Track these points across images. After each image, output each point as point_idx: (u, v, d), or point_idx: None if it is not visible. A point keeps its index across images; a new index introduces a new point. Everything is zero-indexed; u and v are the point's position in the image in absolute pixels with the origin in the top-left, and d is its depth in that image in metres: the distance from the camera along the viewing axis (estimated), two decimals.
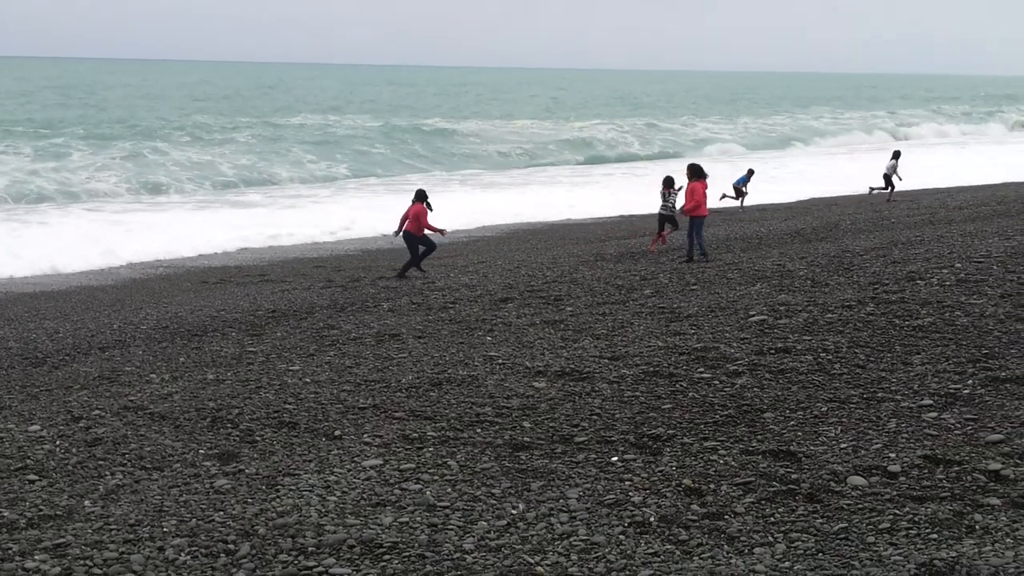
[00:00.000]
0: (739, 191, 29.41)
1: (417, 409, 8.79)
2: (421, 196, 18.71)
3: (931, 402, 8.33)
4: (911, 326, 10.79)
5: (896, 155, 30.66)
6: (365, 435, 8.13)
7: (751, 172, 30.28)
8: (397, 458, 7.55)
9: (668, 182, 20.57)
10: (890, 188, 29.84)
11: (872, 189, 31.54)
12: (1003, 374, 8.95)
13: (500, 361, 10.42)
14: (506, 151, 54.45)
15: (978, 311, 11.27)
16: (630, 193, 34.83)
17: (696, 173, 18.57)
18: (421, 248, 18.52)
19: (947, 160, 48.71)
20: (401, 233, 18.63)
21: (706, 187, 18.63)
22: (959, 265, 14.21)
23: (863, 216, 24.08)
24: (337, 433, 8.23)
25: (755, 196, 30.22)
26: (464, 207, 30.39)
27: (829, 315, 11.55)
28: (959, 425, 7.76)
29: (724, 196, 29.38)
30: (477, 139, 59.20)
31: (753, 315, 11.85)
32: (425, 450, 7.73)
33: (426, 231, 18.47)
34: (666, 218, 20.30)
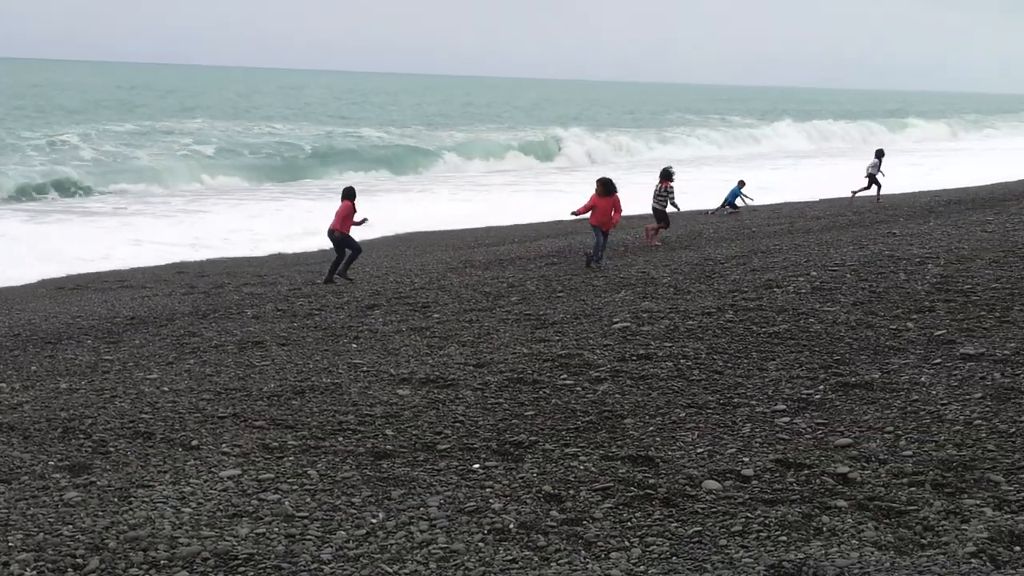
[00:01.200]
0: (733, 205, 30.04)
1: (278, 418, 8.68)
2: (350, 194, 17.98)
3: (784, 407, 8.58)
4: (767, 333, 11.10)
5: (879, 154, 31.21)
6: (223, 445, 7.99)
7: (742, 183, 30.99)
8: (256, 468, 7.44)
9: (665, 175, 20.86)
10: (877, 188, 30.48)
11: (855, 192, 31.35)
12: (853, 379, 9.27)
13: (365, 368, 10.36)
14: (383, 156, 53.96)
15: (831, 318, 11.65)
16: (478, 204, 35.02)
17: (608, 189, 18.32)
18: (347, 251, 17.81)
19: (815, 172, 50.22)
20: (328, 233, 17.93)
21: (615, 202, 18.35)
22: (815, 273, 14.67)
23: (726, 225, 24.67)
24: (194, 443, 8.06)
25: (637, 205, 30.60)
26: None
27: (690, 322, 11.80)
28: (810, 429, 8.01)
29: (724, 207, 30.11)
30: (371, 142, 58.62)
31: (617, 322, 12.03)
32: (285, 459, 7.63)
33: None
34: (659, 213, 20.70)
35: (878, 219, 23.71)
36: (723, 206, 29.99)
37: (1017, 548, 5.79)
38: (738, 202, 30.20)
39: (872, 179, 30.28)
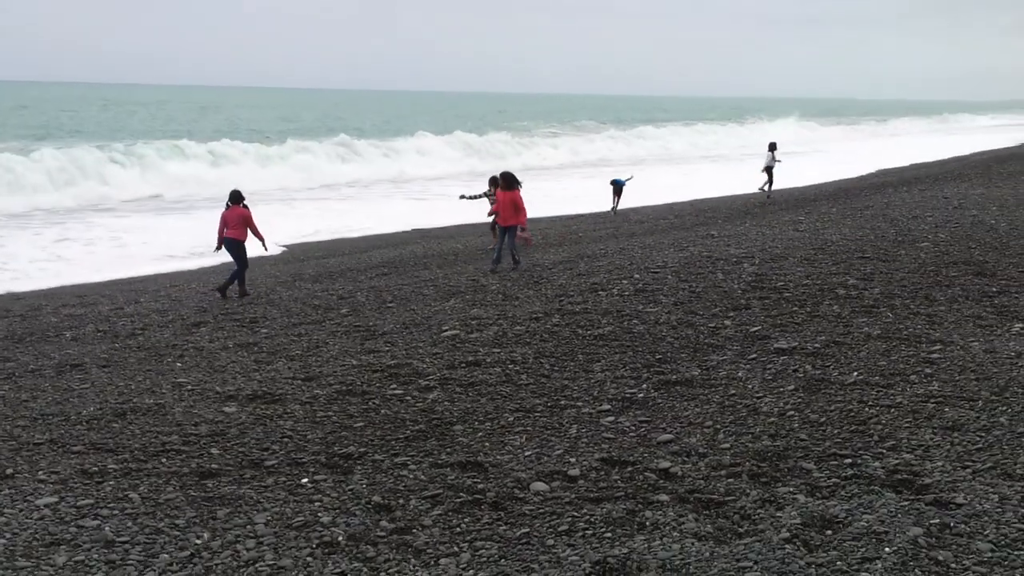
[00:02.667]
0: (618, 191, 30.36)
1: (98, 442, 8.41)
2: (238, 197, 16.95)
3: (609, 407, 8.78)
4: (593, 335, 11.33)
5: (772, 147, 32.00)
6: (40, 472, 7.69)
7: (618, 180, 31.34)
8: (74, 494, 7.19)
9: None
10: (769, 182, 31.33)
11: (764, 189, 31.89)
12: (674, 377, 9.56)
13: (189, 387, 10.13)
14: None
15: (653, 319, 11.97)
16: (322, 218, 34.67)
17: (510, 182, 18.21)
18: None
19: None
20: (223, 242, 16.85)
21: (516, 197, 18.11)
22: (638, 276, 15.04)
23: (553, 231, 25.02)
24: (9, 471, 7.74)
25: (462, 215, 30.65)
26: (158, 230, 29.30)
27: (518, 327, 11.95)
28: (634, 427, 8.22)
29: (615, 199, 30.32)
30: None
31: (446, 330, 12.08)
32: (105, 484, 7.39)
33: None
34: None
35: (697, 222, 24.48)
36: (615, 197, 30.61)
37: (828, 532, 6.07)
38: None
39: (769, 172, 31.31)
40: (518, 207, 17.92)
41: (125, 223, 31.15)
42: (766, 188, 31.47)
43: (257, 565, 5.98)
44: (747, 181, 38.39)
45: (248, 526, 6.55)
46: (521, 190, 18.29)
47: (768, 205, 28.72)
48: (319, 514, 6.71)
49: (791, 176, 38.21)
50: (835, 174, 44.22)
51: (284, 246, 25.39)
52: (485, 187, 22.16)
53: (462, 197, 22.37)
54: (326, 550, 6.16)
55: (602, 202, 34.50)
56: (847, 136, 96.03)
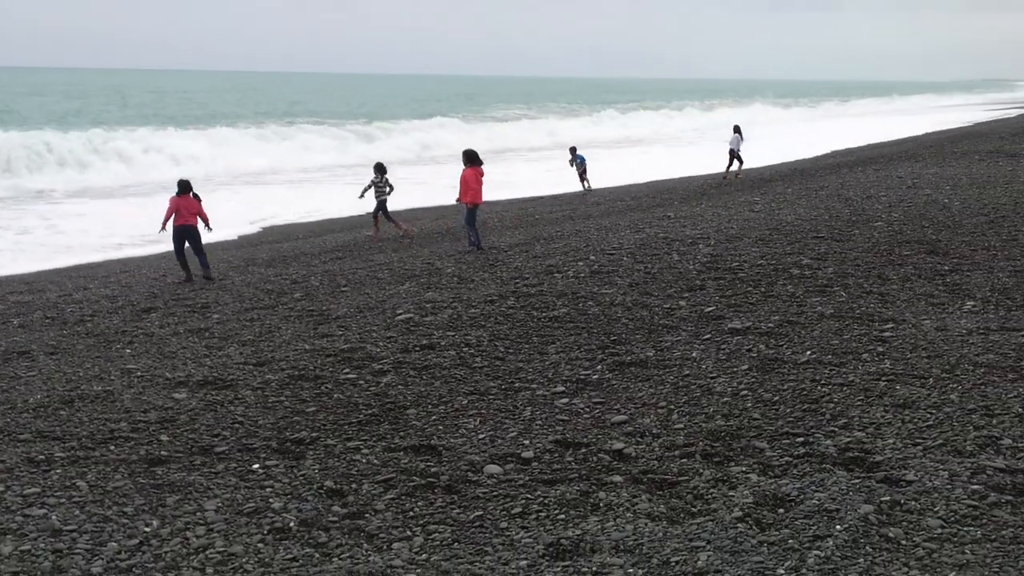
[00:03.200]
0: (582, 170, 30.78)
1: (45, 430, 8.27)
2: (188, 187, 17.01)
3: (564, 388, 8.76)
4: (548, 317, 11.31)
5: (737, 129, 32.04)
6: None
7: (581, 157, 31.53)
8: (20, 483, 7.05)
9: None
10: (739, 163, 31.30)
11: (726, 174, 31.76)
12: (628, 358, 9.55)
13: (139, 374, 9.99)
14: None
15: (608, 300, 11.97)
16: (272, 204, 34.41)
17: (471, 159, 18.15)
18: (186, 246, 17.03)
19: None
20: (183, 230, 16.84)
21: (482, 174, 18.21)
22: (593, 258, 15.04)
23: (510, 214, 24.98)
24: None
25: (416, 199, 30.58)
26: (104, 217, 28.92)
27: (472, 310, 11.90)
28: (588, 409, 8.20)
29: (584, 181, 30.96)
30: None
31: (400, 314, 12.01)
32: (52, 472, 7.27)
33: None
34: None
35: (654, 203, 24.52)
36: (582, 175, 30.96)
37: (781, 510, 6.08)
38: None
39: (733, 154, 31.33)
40: (468, 186, 17.96)
41: (68, 209, 30.74)
42: (733, 170, 31.46)
43: (207, 552, 5.90)
44: (705, 163, 38.56)
45: (198, 513, 6.46)
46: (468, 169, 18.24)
47: (725, 186, 28.83)
48: (270, 500, 6.63)
49: (753, 158, 38.37)
50: (793, 154, 44.48)
51: (256, 227, 25.12)
52: (371, 174, 22.16)
53: (362, 196, 22.19)
54: (277, 536, 6.09)
55: (559, 184, 34.49)
56: (808, 117, 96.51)
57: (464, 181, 18.00)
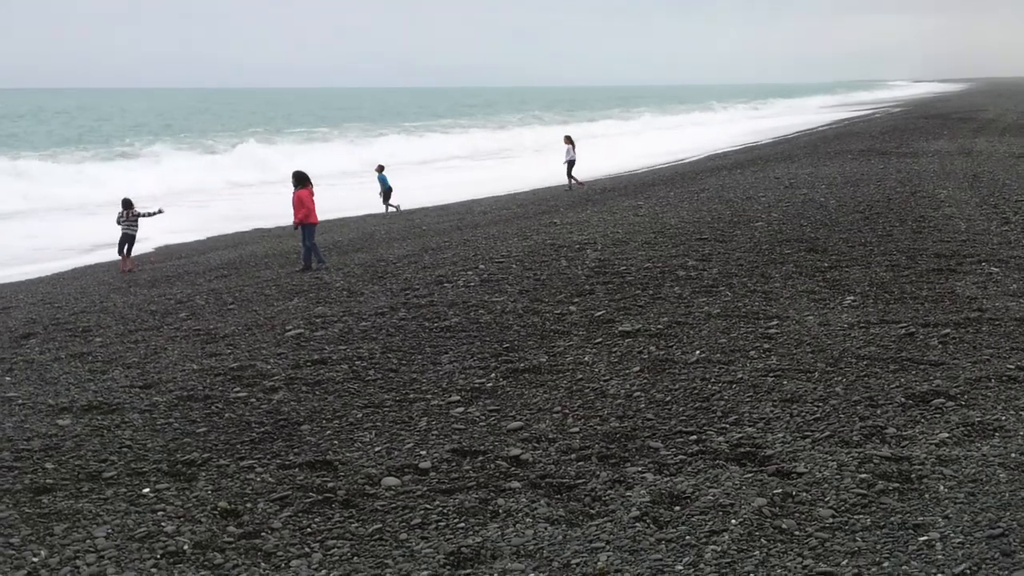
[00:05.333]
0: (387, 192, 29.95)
1: None
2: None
3: (459, 398, 8.75)
4: (440, 327, 11.28)
5: (568, 139, 32.10)
6: None
7: (381, 167, 30.84)
8: None
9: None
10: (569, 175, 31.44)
11: (575, 182, 31.76)
12: (522, 365, 9.59)
13: (20, 401, 9.65)
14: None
15: (499, 308, 12.00)
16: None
17: (301, 180, 18.45)
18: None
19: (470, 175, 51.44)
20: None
21: (312, 194, 18.46)
22: (483, 266, 15.06)
23: (397, 226, 24.87)
24: None
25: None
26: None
27: (364, 323, 11.81)
28: (483, 417, 8.21)
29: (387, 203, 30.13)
30: None
31: (290, 329, 11.85)
32: None
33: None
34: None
35: (540, 210, 24.67)
36: (386, 200, 30.34)
37: (677, 508, 6.17)
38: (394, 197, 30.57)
39: (571, 165, 31.53)
40: (302, 205, 18.20)
41: None
42: (572, 182, 31.70)
43: None
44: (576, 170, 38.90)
45: (88, 540, 6.27)
46: (309, 189, 18.48)
47: (579, 191, 29.12)
48: (163, 523, 6.47)
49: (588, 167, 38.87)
50: (620, 164, 45.21)
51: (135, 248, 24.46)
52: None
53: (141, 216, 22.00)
54: (171, 560, 5.95)
55: (440, 197, 34.50)
56: (678, 124, 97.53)
57: (298, 201, 18.25)
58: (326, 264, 17.69)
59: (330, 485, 6.96)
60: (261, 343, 11.35)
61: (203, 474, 7.33)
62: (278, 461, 7.50)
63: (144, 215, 21.90)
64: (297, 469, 7.32)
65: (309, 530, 6.27)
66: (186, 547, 6.09)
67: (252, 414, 8.65)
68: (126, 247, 21.22)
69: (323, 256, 18.18)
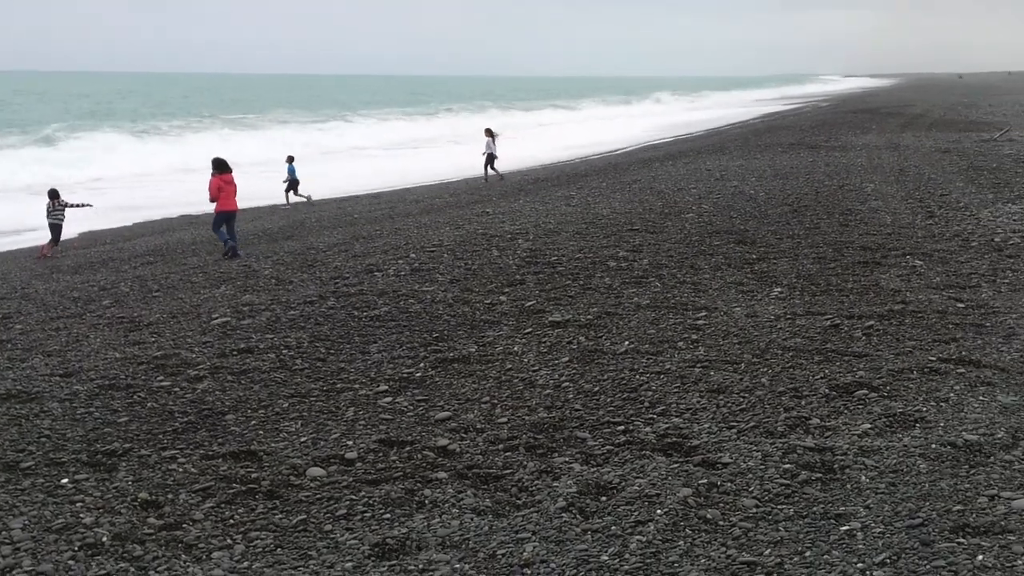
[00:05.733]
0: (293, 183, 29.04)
1: None
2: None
3: (387, 387, 8.68)
4: (369, 316, 11.20)
5: (489, 132, 31.99)
6: None
7: (291, 158, 29.92)
8: None
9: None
10: (490, 166, 31.27)
11: (494, 174, 31.54)
12: (451, 354, 9.55)
13: None
14: None
15: (430, 297, 11.94)
16: None
17: (220, 166, 18.29)
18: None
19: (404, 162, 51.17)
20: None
21: (230, 182, 18.22)
22: (414, 255, 14.98)
23: (328, 214, 24.65)
24: None
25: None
26: None
27: (292, 312, 11.68)
28: (412, 407, 8.16)
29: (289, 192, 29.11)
30: None
31: (216, 318, 11.69)
32: None
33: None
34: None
35: (472, 200, 24.60)
36: (291, 189, 29.41)
37: (603, 498, 6.18)
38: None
39: (490, 159, 31.41)
40: (218, 191, 18.07)
41: None
42: (494, 172, 31.57)
43: (14, 572, 5.59)
44: (509, 160, 38.92)
45: (3, 532, 6.11)
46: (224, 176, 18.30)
47: (498, 184, 29.01)
48: (81, 515, 6.33)
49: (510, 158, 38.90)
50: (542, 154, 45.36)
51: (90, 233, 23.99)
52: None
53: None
54: (89, 552, 5.82)
55: (372, 184, 34.28)
56: (620, 113, 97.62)
57: (215, 189, 18.08)
58: (239, 255, 17.51)
59: (254, 476, 6.86)
60: (186, 331, 11.17)
61: (124, 464, 7.19)
62: (201, 451, 7.39)
63: (70, 206, 21.62)
64: (221, 459, 7.21)
65: (232, 521, 6.18)
66: (105, 539, 5.97)
67: (175, 403, 8.51)
68: (52, 236, 20.93)
69: (236, 246, 17.97)
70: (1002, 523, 5.50)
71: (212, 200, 18.13)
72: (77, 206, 21.94)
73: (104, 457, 7.33)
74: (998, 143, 31.14)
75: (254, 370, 9.40)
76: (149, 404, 8.52)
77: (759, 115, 70.41)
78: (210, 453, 7.33)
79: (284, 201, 29.02)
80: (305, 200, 28.97)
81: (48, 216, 21.31)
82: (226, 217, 17.96)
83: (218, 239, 17.95)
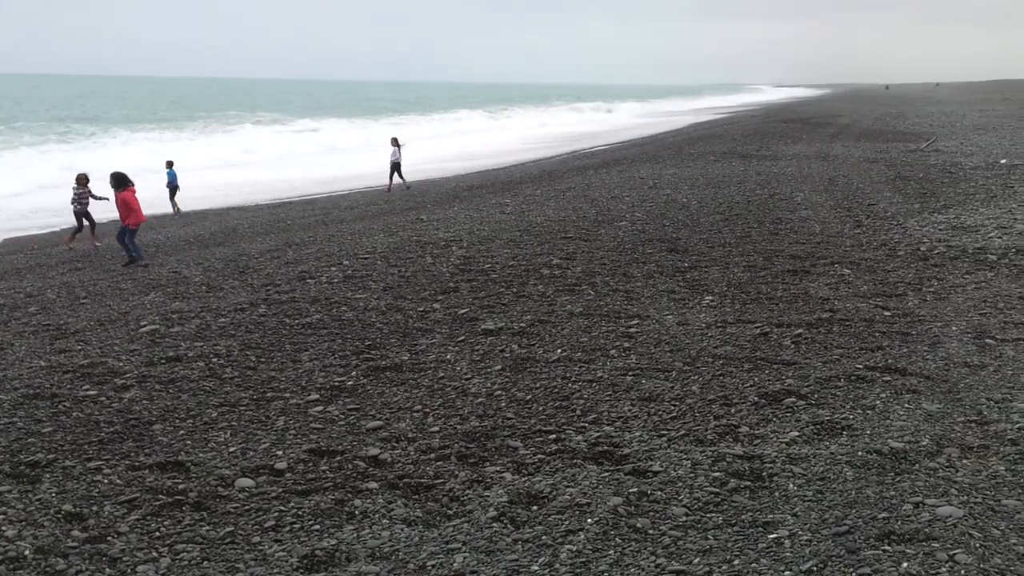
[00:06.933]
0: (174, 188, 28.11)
1: None
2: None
3: (318, 396, 8.61)
4: (301, 324, 11.11)
5: (395, 141, 31.92)
6: None
7: (171, 163, 29.03)
8: None
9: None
10: (396, 174, 31.30)
11: (397, 182, 31.43)
12: (383, 363, 9.50)
13: None
14: None
15: (363, 305, 11.87)
16: None
17: (121, 182, 18.20)
18: None
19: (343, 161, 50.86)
20: None
21: (135, 193, 18.23)
22: (347, 263, 14.90)
23: (261, 220, 24.42)
24: None
25: (161, 207, 29.24)
26: None
27: (222, 319, 11.55)
28: (343, 416, 8.10)
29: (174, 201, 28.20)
30: None
31: (145, 325, 11.51)
32: None
33: None
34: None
35: (407, 206, 24.53)
36: (173, 196, 28.28)
37: (534, 507, 6.18)
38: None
39: (395, 167, 31.31)
40: (128, 207, 17.99)
41: None
42: (400, 181, 31.50)
43: None
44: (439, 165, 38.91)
45: None
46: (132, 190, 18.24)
47: (408, 194, 28.96)
48: (2, 528, 6.19)
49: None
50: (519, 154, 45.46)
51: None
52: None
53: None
54: (11, 565, 5.69)
55: (300, 190, 34.03)
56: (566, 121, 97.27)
57: (124, 204, 18.02)
58: (145, 261, 17.46)
59: (181, 487, 6.76)
60: (114, 339, 10.99)
61: (47, 476, 7.05)
62: (127, 462, 7.26)
63: (96, 197, 21.58)
64: (147, 470, 7.09)
65: (158, 534, 6.08)
66: (27, 552, 5.84)
67: (101, 413, 8.36)
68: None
69: (143, 254, 17.97)
70: (926, 530, 5.59)
71: (127, 214, 17.94)
72: (99, 198, 21.63)
73: (27, 468, 7.18)
74: (925, 153, 31.73)
75: (183, 379, 9.27)
76: (74, 414, 8.36)
77: (691, 124, 71.07)
78: (136, 464, 7.21)
79: (172, 209, 28.13)
80: (174, 211, 28.01)
81: (73, 203, 21.44)
82: (128, 231, 17.89)
83: (131, 251, 17.67)
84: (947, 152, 31.82)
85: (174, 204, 28.22)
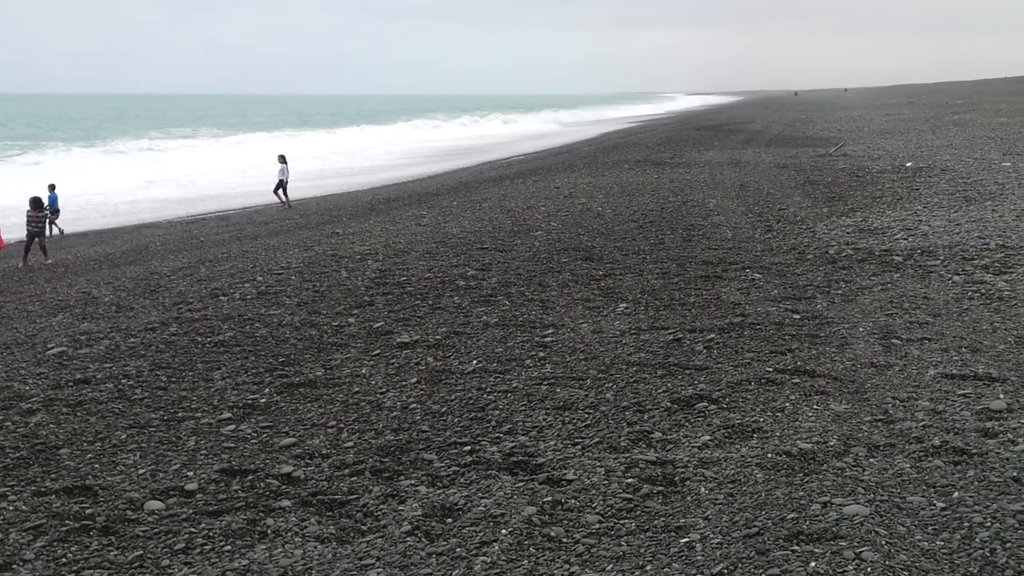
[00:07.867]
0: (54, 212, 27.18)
1: None
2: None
3: (230, 415, 8.50)
4: (213, 342, 10.96)
5: (282, 158, 31.84)
6: None
7: (53, 186, 28.19)
8: None
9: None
10: (283, 192, 31.27)
11: (283, 201, 31.30)
12: (297, 379, 9.41)
13: None
14: None
15: (276, 321, 11.76)
16: None
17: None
18: None
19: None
20: None
21: None
22: (261, 279, 14.74)
23: (174, 237, 24.09)
24: None
25: (76, 224, 28.69)
26: None
27: (132, 339, 11.35)
28: (256, 434, 8.00)
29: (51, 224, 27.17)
30: None
31: (52, 347, 11.26)
32: None
33: None
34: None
35: (323, 220, 24.37)
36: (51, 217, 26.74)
37: (449, 520, 6.17)
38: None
39: (281, 184, 31.20)
40: None
41: None
42: (284, 199, 31.43)
43: None
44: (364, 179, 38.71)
45: None
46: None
47: (288, 211, 28.86)
48: None
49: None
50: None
51: None
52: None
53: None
54: None
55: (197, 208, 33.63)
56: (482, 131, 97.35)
57: None
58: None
59: (89, 511, 6.62)
60: (20, 362, 10.73)
61: None
62: (33, 488, 7.09)
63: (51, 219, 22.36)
64: (54, 496, 6.93)
65: (64, 560, 5.94)
66: None
67: (6, 439, 8.15)
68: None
69: None
70: (834, 529, 5.68)
71: None
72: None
73: None
74: (833, 158, 32.36)
75: (91, 401, 9.09)
76: None
77: (604, 133, 71.64)
78: (42, 489, 7.05)
79: (52, 231, 26.70)
80: (57, 233, 27.29)
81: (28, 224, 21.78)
82: None
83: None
84: (855, 156, 32.49)
85: (56, 226, 27.29)
